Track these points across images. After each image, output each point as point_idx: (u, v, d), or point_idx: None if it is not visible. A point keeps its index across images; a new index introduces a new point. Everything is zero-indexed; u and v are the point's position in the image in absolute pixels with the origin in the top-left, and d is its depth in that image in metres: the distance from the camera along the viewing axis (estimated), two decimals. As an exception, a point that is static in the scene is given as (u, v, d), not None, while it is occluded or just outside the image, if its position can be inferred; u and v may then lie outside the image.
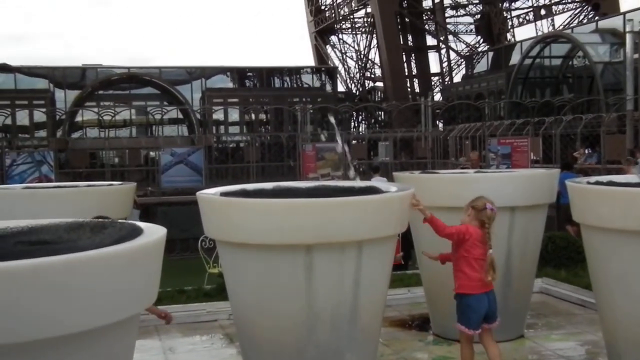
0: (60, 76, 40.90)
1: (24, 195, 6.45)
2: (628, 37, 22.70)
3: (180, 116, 42.22)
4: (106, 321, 2.56)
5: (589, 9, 50.47)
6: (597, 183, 5.34)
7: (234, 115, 42.81)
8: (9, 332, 2.31)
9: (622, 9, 44.67)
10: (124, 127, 40.74)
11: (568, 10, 52.13)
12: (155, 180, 23.11)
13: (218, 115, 41.37)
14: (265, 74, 45.80)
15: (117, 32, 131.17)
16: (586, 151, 23.44)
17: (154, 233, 2.91)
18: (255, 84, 46.75)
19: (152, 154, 30.67)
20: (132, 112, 40.44)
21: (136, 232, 2.89)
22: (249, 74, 46.95)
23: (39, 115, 37.25)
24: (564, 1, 52.34)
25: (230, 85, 45.85)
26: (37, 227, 3.13)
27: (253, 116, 42.14)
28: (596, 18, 43.78)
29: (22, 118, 37.63)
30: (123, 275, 2.60)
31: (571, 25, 47.02)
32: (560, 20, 52.52)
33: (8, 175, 20.57)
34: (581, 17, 50.30)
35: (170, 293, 8.14)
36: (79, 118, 40.53)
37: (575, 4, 51.57)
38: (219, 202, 4.79)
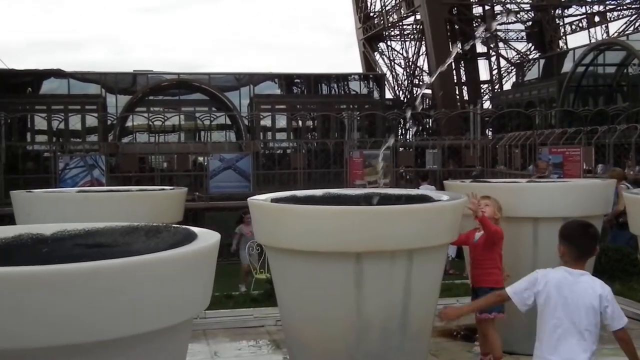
0: (112, 82, 41.71)
1: (78, 199, 6.55)
2: (686, 45, 22.09)
3: (229, 122, 42.66)
4: (160, 325, 2.57)
5: (645, 16, 49.36)
6: (656, 194, 5.20)
7: (282, 121, 43.04)
8: (67, 334, 2.34)
9: (680, 15, 43.58)
10: (172, 132, 41.34)
11: (623, 17, 51.05)
12: (203, 185, 23.33)
13: (265, 121, 41.66)
14: (313, 81, 45.95)
15: (168, 39, 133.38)
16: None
17: (208, 238, 2.92)
18: (302, 90, 46.93)
19: (200, 159, 30.99)
20: (181, 118, 41.00)
21: (191, 237, 2.90)
22: (296, 80, 47.18)
23: (91, 120, 38.05)
24: (618, 8, 51.28)
25: (278, 91, 46.15)
26: (94, 230, 3.17)
27: (300, 123, 42.29)
28: (652, 25, 42.82)
29: (75, 123, 38.50)
30: (178, 279, 2.61)
31: (626, 32, 46.06)
32: (614, 27, 51.50)
33: (61, 178, 21.00)
34: (637, 24, 49.22)
35: (218, 298, 8.18)
36: (129, 123, 41.29)
37: (631, 10, 50.46)
38: (269, 208, 4.80)
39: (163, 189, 7.16)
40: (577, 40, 54.12)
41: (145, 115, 35.54)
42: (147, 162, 32.94)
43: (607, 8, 51.58)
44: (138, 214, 5.49)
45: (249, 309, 7.73)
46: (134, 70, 44.10)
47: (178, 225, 3.28)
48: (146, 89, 42.14)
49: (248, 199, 5.05)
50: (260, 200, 5.01)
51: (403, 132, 43.96)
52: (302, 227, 4.45)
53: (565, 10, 52.58)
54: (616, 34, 47.21)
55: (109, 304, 2.39)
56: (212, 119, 34.55)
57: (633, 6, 50.29)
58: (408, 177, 26.87)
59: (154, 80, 42.89)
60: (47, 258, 2.53)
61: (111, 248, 2.80)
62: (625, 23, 50.31)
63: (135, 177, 26.18)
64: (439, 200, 4.96)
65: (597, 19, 51.62)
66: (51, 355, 2.34)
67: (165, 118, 33.56)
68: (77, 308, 2.33)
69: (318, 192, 5.62)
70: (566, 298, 3.70)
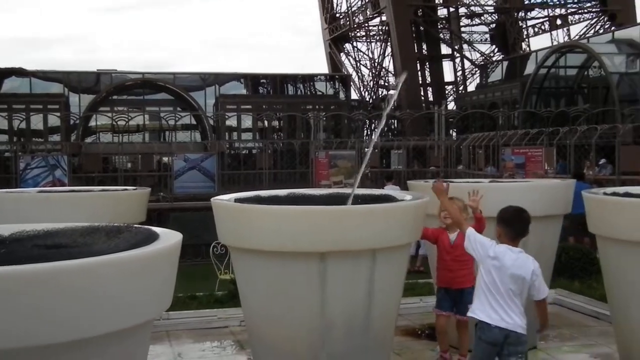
0: (75, 81, 41.18)
1: (39, 199, 6.47)
2: (644, 48, 22.54)
3: (194, 122, 42.40)
4: (121, 326, 2.55)
5: (605, 19, 50.31)
6: (614, 194, 5.29)
7: (247, 121, 42.92)
8: (25, 335, 2.30)
9: (639, 19, 44.53)
10: (137, 132, 40.95)
11: (584, 20, 52.01)
12: (168, 186, 23.14)
13: (231, 121, 41.50)
14: (279, 81, 45.92)
15: (133, 39, 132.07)
16: (601, 161, 23.27)
17: (169, 238, 2.90)
18: (268, 90, 46.86)
19: (164, 159, 30.76)
20: (145, 118, 40.62)
21: (152, 237, 2.88)
22: (262, 80, 47.09)
23: (54, 120, 37.50)
24: (580, 11, 52.20)
25: (244, 91, 46.00)
26: (53, 231, 3.13)
27: (266, 123, 42.20)
28: (612, 28, 43.64)
29: (37, 122, 37.90)
30: (138, 280, 2.59)
31: (587, 35, 46.89)
32: (576, 30, 52.45)
33: (22, 178, 20.66)
34: (597, 27, 50.15)
35: (182, 299, 8.14)
36: (92, 123, 40.80)
37: (592, 14, 51.43)
38: (233, 208, 4.79)
39: (126, 189, 7.10)
40: (539, 42, 54.96)
41: (109, 114, 35.16)
42: (110, 163, 32.59)
43: (569, 11, 52.51)
44: (100, 214, 5.44)
45: (212, 309, 7.70)
46: (97, 70, 43.61)
47: (140, 226, 3.25)
48: (110, 88, 41.68)
49: (212, 199, 5.03)
50: (223, 200, 4.99)
51: (369, 132, 44.16)
52: (266, 228, 4.44)
53: (528, 13, 53.38)
54: (577, 37, 48.05)
55: (68, 306, 2.36)
56: (177, 118, 34.29)
57: (594, 10, 51.27)
58: (371, 176, 26.98)
59: (118, 79, 42.45)
60: (5, 259, 2.49)
61: (71, 249, 2.77)
62: (586, 26, 51.29)
63: (99, 178, 25.88)
64: (403, 200, 4.99)
65: (559, 22, 52.53)
66: (6, 358, 2.31)
67: (129, 118, 33.21)
68: (35, 310, 2.29)
69: (282, 192, 5.62)
70: (508, 269, 4.37)
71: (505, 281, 4.36)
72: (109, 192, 6.93)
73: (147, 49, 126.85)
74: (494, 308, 4.36)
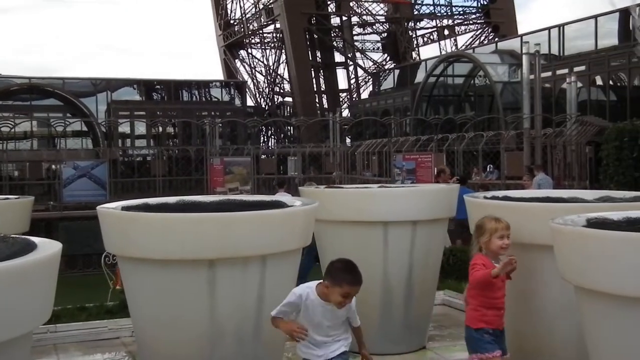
0: (-45, 85, 39.15)
1: None
2: (524, 59, 23.74)
3: (85, 129, 41.15)
4: (-4, 340, 2.47)
5: (489, 30, 52.65)
6: (493, 198, 5.54)
7: (141, 128, 42.06)
8: None
9: (520, 31, 46.84)
10: (24, 139, 39.33)
11: (470, 31, 54.26)
12: (57, 195, 22.35)
13: (124, 128, 40.55)
14: (174, 87, 45.27)
15: (18, 41, 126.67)
16: (488, 167, 24.28)
17: (48, 248, 2.83)
18: (163, 96, 46.12)
19: (54, 167, 29.70)
20: (33, 124, 39.07)
21: (29, 248, 2.80)
22: (156, 86, 46.31)
23: None
24: (465, 22, 54.37)
25: (137, 97, 45.07)
26: None
27: (160, 129, 41.49)
28: (496, 39, 45.68)
29: None
30: (14, 292, 2.52)
31: (473, 45, 48.89)
32: (462, 40, 54.61)
33: None
34: (482, 38, 52.41)
35: (71, 310, 7.87)
36: (-25, 129, 38.80)
37: (477, 25, 53.68)
38: (118, 217, 4.70)
39: (7, 198, 6.82)
40: (428, 52, 56.80)
41: (-7, 121, 33.56)
42: (-5, 171, 31.11)
43: (456, 22, 54.60)
44: (-22, 225, 5.20)
45: (103, 320, 7.48)
46: (-21, 74, 41.62)
47: (17, 236, 3.15)
48: (-7, 94, 39.84)
49: (97, 207, 4.91)
50: (110, 208, 4.89)
51: (265, 139, 44.29)
52: (152, 236, 4.38)
53: (418, 23, 55.11)
54: (464, 47, 50.03)
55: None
56: (66, 125, 33.15)
57: (478, 21, 53.55)
58: (267, 183, 27.05)
59: (3, 84, 40.67)
60: None
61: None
62: (472, 37, 53.52)
63: (-18, 187, 24.65)
64: (291, 206, 5.05)
65: (446, 32, 54.53)
66: None
67: (15, 124, 31.82)
68: None
69: (172, 199, 5.55)
70: None
71: None
72: (-12, 202, 6.63)
73: (36, 52, 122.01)
74: None
